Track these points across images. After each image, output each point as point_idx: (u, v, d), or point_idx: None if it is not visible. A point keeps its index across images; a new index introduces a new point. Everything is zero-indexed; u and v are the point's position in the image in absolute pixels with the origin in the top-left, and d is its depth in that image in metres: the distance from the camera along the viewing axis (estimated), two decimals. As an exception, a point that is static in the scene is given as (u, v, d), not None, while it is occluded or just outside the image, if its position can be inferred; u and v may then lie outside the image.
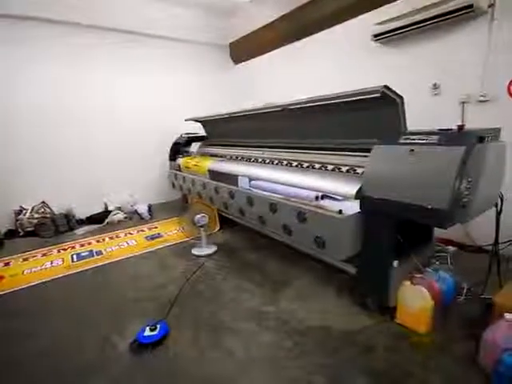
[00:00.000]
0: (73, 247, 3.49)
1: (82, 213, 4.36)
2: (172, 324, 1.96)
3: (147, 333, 1.83)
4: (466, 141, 1.54)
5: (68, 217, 4.10)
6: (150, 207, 4.58)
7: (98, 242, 3.63)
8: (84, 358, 1.76)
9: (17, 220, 3.91)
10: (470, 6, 2.47)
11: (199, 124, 4.46)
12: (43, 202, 4.09)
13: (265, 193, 2.74)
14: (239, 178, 3.40)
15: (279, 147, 3.08)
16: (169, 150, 4.73)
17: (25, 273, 2.88)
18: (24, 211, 3.94)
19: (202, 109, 4.60)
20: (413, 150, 1.66)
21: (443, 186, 1.51)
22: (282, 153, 2.98)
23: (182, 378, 1.60)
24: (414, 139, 1.71)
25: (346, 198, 2.10)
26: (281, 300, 2.22)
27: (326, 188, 2.19)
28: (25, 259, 3.21)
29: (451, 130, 1.70)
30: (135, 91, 4.81)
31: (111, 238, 3.73)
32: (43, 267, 2.98)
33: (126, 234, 3.85)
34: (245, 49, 5.33)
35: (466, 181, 1.51)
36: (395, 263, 1.85)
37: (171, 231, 3.85)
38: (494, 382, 1.35)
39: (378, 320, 1.92)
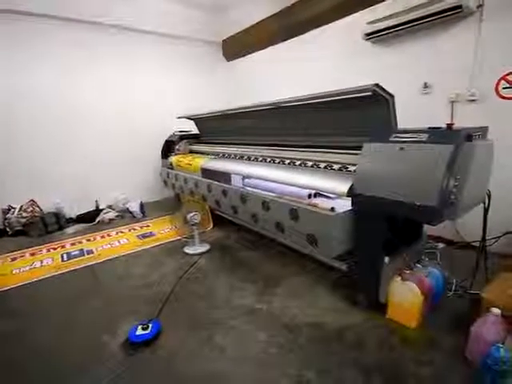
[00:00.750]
0: (63, 246, 3.44)
1: (72, 211, 4.30)
2: (164, 322, 1.95)
3: (139, 332, 1.81)
4: (454, 139, 1.56)
5: (58, 216, 4.03)
6: (142, 205, 4.54)
7: (88, 240, 3.59)
8: (74, 357, 1.74)
9: (5, 219, 3.83)
10: (459, 7, 2.50)
11: (192, 121, 4.43)
12: (32, 201, 4.01)
13: (258, 191, 2.74)
14: (232, 176, 3.39)
15: (272, 145, 3.08)
16: (161, 147, 4.70)
17: (13, 272, 2.83)
18: (12, 210, 3.86)
19: (194, 106, 4.58)
20: (403, 148, 1.69)
21: (432, 183, 1.54)
22: (275, 151, 2.98)
23: (174, 376, 1.60)
24: (404, 137, 1.73)
25: (338, 195, 2.12)
26: (273, 297, 2.23)
27: (319, 186, 2.20)
28: (13, 259, 3.15)
29: (441, 128, 1.73)
30: (126, 88, 4.73)
31: (102, 237, 3.68)
32: (32, 266, 2.93)
33: (117, 233, 3.81)
34: (237, 46, 5.30)
35: (455, 178, 1.53)
36: (386, 260, 1.88)
37: (164, 229, 3.82)
38: (482, 374, 1.38)
39: (370, 316, 1.95)
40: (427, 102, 2.98)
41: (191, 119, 4.35)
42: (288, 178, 2.46)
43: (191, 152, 4.48)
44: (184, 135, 4.59)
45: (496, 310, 1.50)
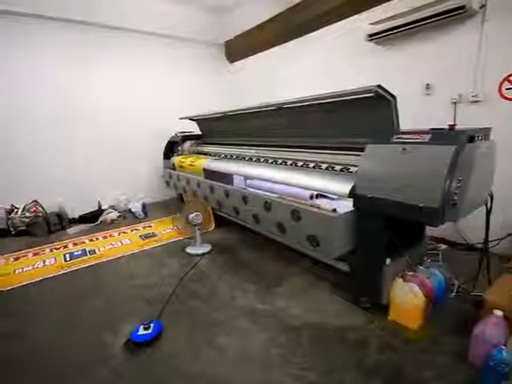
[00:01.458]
0: (65, 246, 3.45)
1: (75, 212, 4.31)
2: (166, 323, 1.95)
3: (141, 332, 1.82)
4: (456, 140, 1.56)
5: (60, 216, 4.05)
6: (144, 206, 4.55)
7: (91, 240, 3.60)
8: (77, 357, 1.75)
9: (8, 219, 3.85)
10: (462, 7, 2.50)
11: (194, 122, 4.45)
12: (35, 201, 4.03)
13: (260, 192, 2.74)
14: (234, 176, 3.40)
15: (274, 146, 3.09)
16: (163, 148, 4.71)
17: (16, 272, 2.85)
18: (16, 210, 3.88)
19: (196, 107, 4.59)
20: (405, 149, 1.68)
21: (434, 184, 1.54)
22: (277, 152, 2.99)
23: (175, 376, 1.60)
24: (406, 138, 1.73)
25: (340, 196, 2.12)
26: (275, 298, 2.23)
27: (321, 187, 2.20)
28: (16, 258, 3.17)
29: (443, 129, 1.73)
30: (129, 89, 4.76)
31: (105, 237, 3.70)
32: (35, 266, 2.94)
33: (119, 233, 3.82)
34: (240, 48, 5.32)
35: (457, 179, 1.53)
36: (388, 261, 1.88)
37: (166, 230, 3.83)
38: (484, 376, 1.37)
39: (371, 317, 1.94)
40: (429, 103, 2.98)
41: (193, 120, 4.37)
42: (290, 179, 2.46)
43: (193, 153, 4.50)
44: (186, 136, 4.61)
45: (499, 312, 1.50)
